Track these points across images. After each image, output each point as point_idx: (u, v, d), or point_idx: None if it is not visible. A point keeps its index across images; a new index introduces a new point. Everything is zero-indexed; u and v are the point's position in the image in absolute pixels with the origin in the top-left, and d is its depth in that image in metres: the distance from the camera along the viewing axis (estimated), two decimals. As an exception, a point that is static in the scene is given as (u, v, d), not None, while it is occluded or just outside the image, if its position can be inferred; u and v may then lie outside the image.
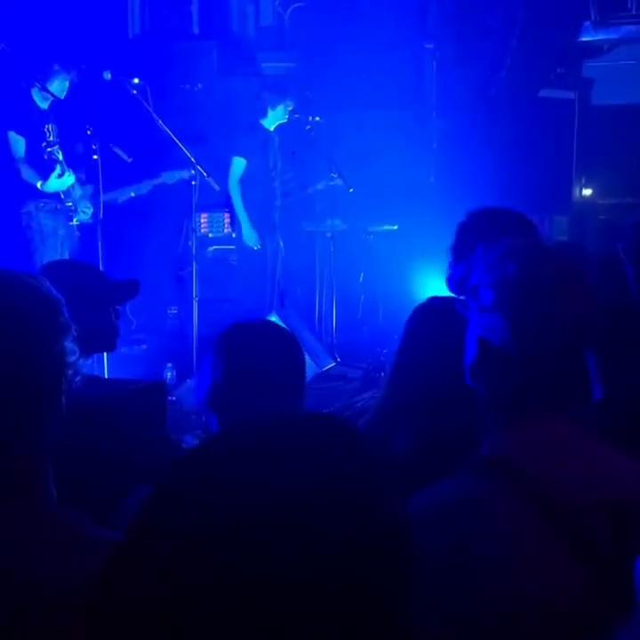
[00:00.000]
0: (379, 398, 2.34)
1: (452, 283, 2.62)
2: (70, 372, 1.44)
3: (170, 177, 6.73)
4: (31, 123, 6.18)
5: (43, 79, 6.14)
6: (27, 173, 6.17)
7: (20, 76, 6.13)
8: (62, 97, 6.26)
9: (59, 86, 6.22)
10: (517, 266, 1.54)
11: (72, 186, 6.23)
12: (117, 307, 2.72)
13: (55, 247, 6.24)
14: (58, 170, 6.07)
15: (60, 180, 6.11)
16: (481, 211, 2.68)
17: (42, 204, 6.21)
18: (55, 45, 6.41)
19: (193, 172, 6.45)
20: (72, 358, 1.45)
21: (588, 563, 1.39)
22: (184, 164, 6.52)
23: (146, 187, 6.61)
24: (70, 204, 6.24)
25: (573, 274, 1.54)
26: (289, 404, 2.14)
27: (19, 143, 6.18)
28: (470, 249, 2.62)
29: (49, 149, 6.08)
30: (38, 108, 6.21)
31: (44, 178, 6.11)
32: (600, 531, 1.41)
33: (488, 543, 1.42)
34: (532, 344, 1.51)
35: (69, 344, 1.45)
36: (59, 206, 6.25)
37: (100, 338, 2.55)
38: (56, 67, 6.15)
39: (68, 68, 6.24)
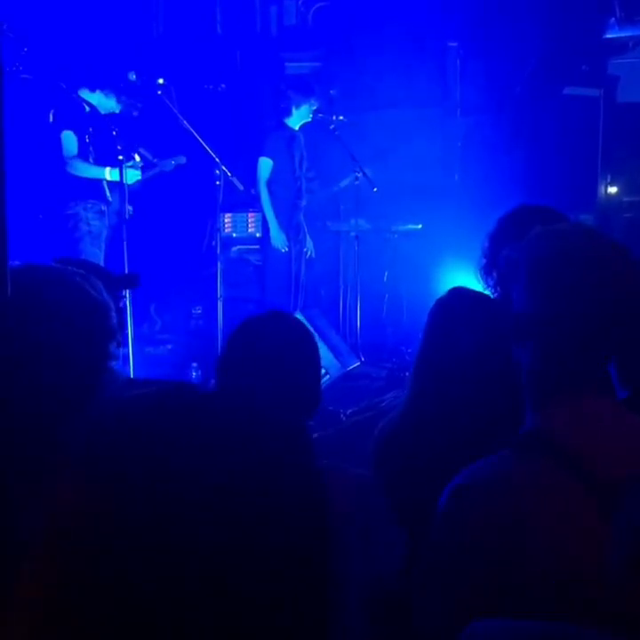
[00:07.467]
0: (405, 391, 2.33)
1: (482, 270, 2.61)
2: (108, 376, 1.45)
3: (166, 165, 6.74)
4: (81, 123, 6.17)
5: (79, 87, 6.18)
6: (84, 168, 6.14)
7: (61, 79, 6.13)
8: (99, 110, 6.29)
9: (102, 101, 6.26)
10: (549, 242, 1.56)
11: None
12: (117, 300, 2.73)
13: (101, 248, 6.22)
14: (130, 163, 6.07)
15: (136, 172, 6.11)
16: (531, 206, 2.68)
17: (89, 205, 6.19)
18: (79, 48, 6.44)
19: (217, 172, 6.46)
20: (112, 363, 1.45)
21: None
22: (184, 152, 6.65)
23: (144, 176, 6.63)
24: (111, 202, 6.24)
25: (608, 259, 1.55)
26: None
27: (72, 142, 6.14)
28: (508, 239, 2.61)
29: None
30: (85, 109, 6.23)
31: (111, 165, 6.08)
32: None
33: (533, 519, 1.44)
34: (560, 320, 1.52)
35: (114, 349, 1.46)
36: (103, 207, 6.23)
37: None
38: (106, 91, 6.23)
39: (116, 91, 6.28)
